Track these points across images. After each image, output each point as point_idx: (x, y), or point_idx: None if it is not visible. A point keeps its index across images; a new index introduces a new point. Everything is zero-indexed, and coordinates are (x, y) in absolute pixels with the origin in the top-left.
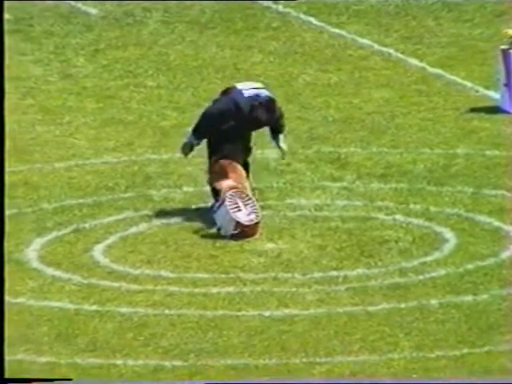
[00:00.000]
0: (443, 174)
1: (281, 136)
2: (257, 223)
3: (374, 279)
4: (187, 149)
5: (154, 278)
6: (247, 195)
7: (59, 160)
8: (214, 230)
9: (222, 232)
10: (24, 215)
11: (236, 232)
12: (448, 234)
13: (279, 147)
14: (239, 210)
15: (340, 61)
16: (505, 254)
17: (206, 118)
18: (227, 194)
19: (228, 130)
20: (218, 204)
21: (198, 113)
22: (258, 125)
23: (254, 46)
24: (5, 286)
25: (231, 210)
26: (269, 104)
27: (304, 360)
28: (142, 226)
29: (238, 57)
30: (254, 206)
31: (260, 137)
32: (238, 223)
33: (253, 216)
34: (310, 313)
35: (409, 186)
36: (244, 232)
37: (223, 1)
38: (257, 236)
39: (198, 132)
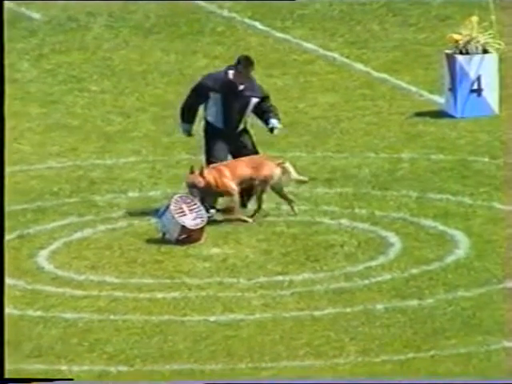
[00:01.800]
0: (388, 179)
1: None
2: (202, 228)
3: (319, 284)
4: None
5: (99, 283)
6: (193, 200)
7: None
8: (159, 236)
9: (167, 236)
10: None
11: (181, 237)
12: (393, 238)
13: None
14: (184, 215)
15: (285, 65)
16: (450, 259)
17: None
18: (173, 199)
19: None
20: (162, 209)
21: (143, 118)
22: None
23: (198, 50)
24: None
25: (176, 215)
26: None
27: (250, 365)
28: (87, 232)
29: (183, 62)
30: (200, 210)
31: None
32: (183, 227)
33: (198, 220)
34: (256, 318)
35: (354, 190)
36: (189, 237)
37: (168, 0)
38: (202, 241)
39: None
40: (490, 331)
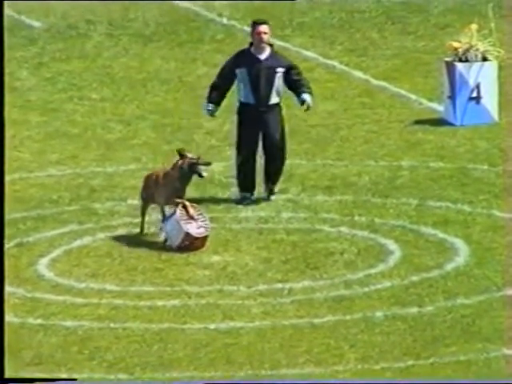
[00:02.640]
0: (388, 186)
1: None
2: (205, 237)
3: (319, 291)
4: None
5: (99, 291)
6: (198, 209)
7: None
8: (159, 243)
9: (169, 243)
10: None
11: (183, 244)
12: (393, 245)
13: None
14: (189, 222)
15: None
16: (449, 266)
17: None
18: (180, 206)
19: None
20: (168, 215)
21: (143, 126)
22: None
23: (198, 58)
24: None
25: (182, 221)
26: None
27: (249, 372)
28: (87, 240)
29: (183, 69)
30: (205, 219)
31: (205, 149)
32: (187, 234)
33: (202, 229)
34: (256, 325)
35: (354, 198)
36: (191, 244)
37: (166, 0)
38: (202, 249)
39: None
40: (490, 339)
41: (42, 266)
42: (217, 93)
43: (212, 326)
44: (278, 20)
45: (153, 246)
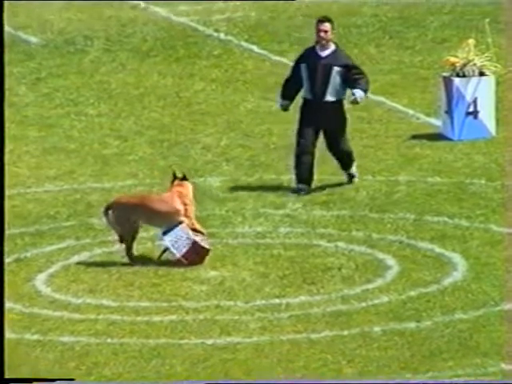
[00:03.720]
0: (385, 201)
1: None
2: (208, 251)
3: (316, 306)
4: None
5: (97, 306)
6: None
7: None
8: (155, 258)
9: (172, 250)
10: None
11: (189, 253)
12: (390, 260)
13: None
14: (196, 234)
15: None
16: (447, 281)
17: None
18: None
19: None
20: (173, 224)
21: (140, 141)
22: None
23: (195, 73)
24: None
25: (190, 231)
26: None
27: None
28: (84, 255)
29: (180, 85)
30: (205, 237)
31: (202, 164)
32: (194, 243)
33: (206, 243)
34: (253, 341)
35: (351, 212)
36: (197, 254)
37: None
38: (200, 264)
39: None
40: (488, 353)
41: (40, 281)
42: (287, 87)
43: (209, 342)
44: (275, 35)
45: (150, 261)
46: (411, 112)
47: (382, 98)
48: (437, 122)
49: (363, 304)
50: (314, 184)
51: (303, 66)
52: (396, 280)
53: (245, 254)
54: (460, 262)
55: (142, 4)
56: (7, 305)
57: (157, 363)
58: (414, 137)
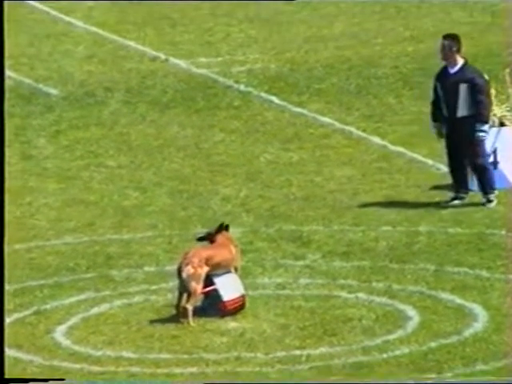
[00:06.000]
0: (405, 252)
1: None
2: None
3: (337, 358)
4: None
5: (116, 359)
6: None
7: (20, 241)
8: (174, 310)
9: (220, 292)
10: None
11: (234, 301)
12: (411, 311)
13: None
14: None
15: (301, 139)
16: (468, 332)
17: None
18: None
19: None
20: (220, 271)
21: (159, 192)
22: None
23: (215, 124)
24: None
25: (238, 280)
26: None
27: None
28: (104, 307)
29: (200, 136)
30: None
31: (222, 215)
32: (243, 296)
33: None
34: None
35: (371, 263)
36: (240, 306)
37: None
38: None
39: None
40: None
41: (59, 333)
42: (433, 109)
43: None
44: (295, 86)
45: (170, 313)
46: (431, 162)
47: (401, 149)
48: None
49: (384, 355)
50: (333, 238)
51: (438, 85)
52: (416, 331)
53: (265, 305)
54: (481, 312)
55: (163, 56)
56: (27, 357)
57: None
58: (435, 187)
